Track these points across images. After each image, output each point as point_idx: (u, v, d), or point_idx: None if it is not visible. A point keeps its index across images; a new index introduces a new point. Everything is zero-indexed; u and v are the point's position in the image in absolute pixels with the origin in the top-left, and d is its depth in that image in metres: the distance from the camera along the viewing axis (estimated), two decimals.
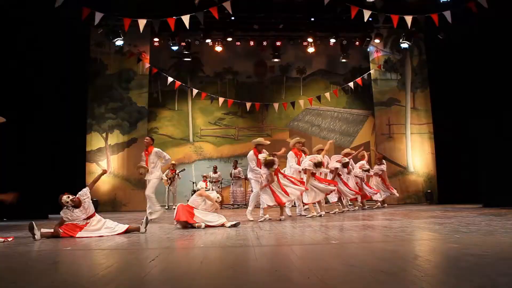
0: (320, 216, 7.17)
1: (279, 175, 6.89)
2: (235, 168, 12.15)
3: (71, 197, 4.93)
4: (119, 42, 11.02)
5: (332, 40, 12.31)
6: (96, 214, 5.17)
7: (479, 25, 9.23)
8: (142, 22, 8.94)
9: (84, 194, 5.05)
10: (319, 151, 8.04)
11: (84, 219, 5.02)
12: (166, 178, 11.76)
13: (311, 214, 7.16)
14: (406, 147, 12.27)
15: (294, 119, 13.71)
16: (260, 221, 6.51)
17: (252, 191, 7.31)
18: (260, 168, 6.84)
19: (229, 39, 12.15)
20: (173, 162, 12.04)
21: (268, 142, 7.46)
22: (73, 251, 3.82)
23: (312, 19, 11.95)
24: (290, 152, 7.71)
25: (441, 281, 2.33)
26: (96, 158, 11.36)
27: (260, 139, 7.39)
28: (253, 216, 6.90)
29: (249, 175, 7.20)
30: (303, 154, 7.81)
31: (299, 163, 7.53)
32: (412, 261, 2.84)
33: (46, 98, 9.43)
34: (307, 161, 7.32)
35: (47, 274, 2.75)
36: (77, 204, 4.94)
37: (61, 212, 4.96)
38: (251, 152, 7.09)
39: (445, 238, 3.97)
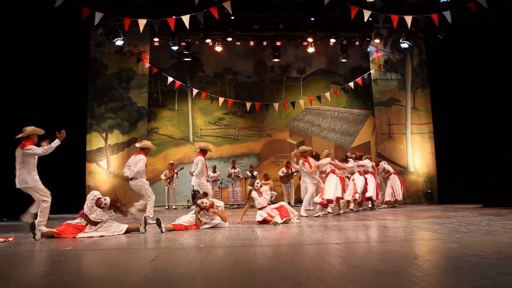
0: (339, 214, 7.74)
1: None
2: (234, 168, 12.15)
3: (107, 205, 5.17)
4: (119, 42, 11.01)
5: (332, 40, 12.30)
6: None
7: (479, 25, 9.23)
8: (142, 22, 8.94)
9: (104, 215, 5.24)
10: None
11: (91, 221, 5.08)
12: (164, 178, 11.76)
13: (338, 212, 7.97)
14: (406, 147, 12.27)
15: (294, 119, 13.71)
16: (315, 216, 7.25)
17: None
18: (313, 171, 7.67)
19: (229, 39, 12.15)
20: (171, 161, 12.04)
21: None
22: (73, 251, 3.82)
23: (312, 19, 11.93)
24: (300, 161, 8.06)
25: (441, 280, 2.33)
26: (96, 158, 11.35)
27: (303, 147, 8.15)
28: (306, 212, 7.62)
29: (303, 179, 8.00)
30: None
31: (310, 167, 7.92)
32: (412, 261, 2.84)
33: (46, 98, 9.43)
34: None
35: (47, 274, 2.75)
36: (98, 205, 5.16)
37: (95, 192, 5.20)
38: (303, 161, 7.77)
39: (445, 238, 3.97)
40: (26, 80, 8.88)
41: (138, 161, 6.86)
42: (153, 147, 7.39)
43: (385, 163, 10.33)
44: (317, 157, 8.14)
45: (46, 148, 5.80)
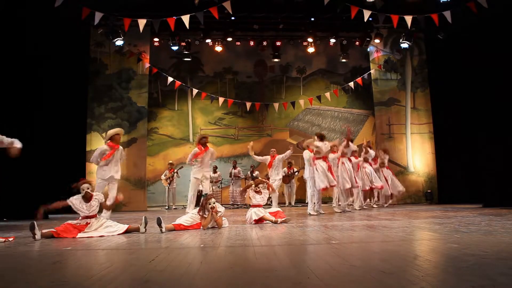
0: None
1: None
2: (235, 168, 12.15)
3: (90, 188, 5.09)
4: (119, 42, 11.01)
5: (332, 40, 12.32)
6: (97, 215, 5.21)
7: (479, 25, 9.23)
8: (142, 22, 8.94)
9: (98, 194, 5.25)
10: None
11: (85, 217, 5.06)
12: (165, 178, 11.77)
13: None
14: (406, 147, 12.28)
15: (294, 119, 13.72)
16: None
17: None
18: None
19: (229, 39, 12.16)
20: (171, 161, 12.05)
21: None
22: (73, 251, 3.82)
23: (312, 19, 11.95)
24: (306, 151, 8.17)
25: (441, 281, 2.33)
26: None
27: (309, 140, 8.15)
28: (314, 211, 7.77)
29: (306, 175, 8.00)
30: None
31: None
32: (412, 261, 2.84)
33: (46, 98, 9.43)
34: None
35: (47, 274, 2.75)
36: (88, 198, 5.08)
37: (72, 198, 5.07)
38: (307, 151, 7.90)
39: (445, 238, 3.97)
40: (26, 80, 8.87)
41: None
42: (119, 131, 6.70)
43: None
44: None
45: None
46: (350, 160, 8.56)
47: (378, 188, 9.47)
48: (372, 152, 9.69)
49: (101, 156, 6.41)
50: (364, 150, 9.52)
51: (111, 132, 6.64)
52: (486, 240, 3.73)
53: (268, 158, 9.07)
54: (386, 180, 9.82)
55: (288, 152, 8.92)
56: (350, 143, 8.59)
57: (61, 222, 5.20)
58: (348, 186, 8.22)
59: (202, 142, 7.65)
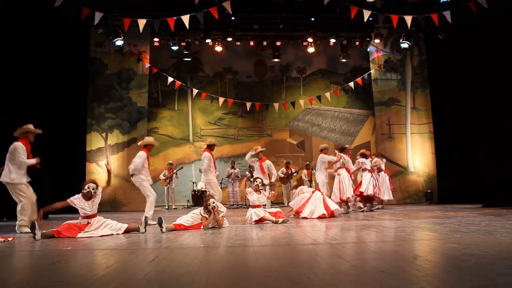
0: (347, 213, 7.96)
1: None
2: (233, 168, 12.14)
3: (95, 189, 5.11)
4: (119, 42, 11.00)
5: (332, 40, 12.32)
6: (97, 215, 5.21)
7: (479, 25, 9.23)
8: (142, 22, 8.94)
9: (98, 192, 5.23)
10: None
11: (85, 217, 5.06)
12: (164, 178, 11.75)
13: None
14: (406, 147, 12.28)
15: (294, 119, 13.71)
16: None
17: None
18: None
19: (229, 39, 12.16)
20: (170, 161, 12.04)
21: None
22: (73, 251, 3.82)
23: (312, 19, 11.95)
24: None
25: (441, 280, 2.33)
26: (96, 158, 11.35)
27: (324, 145, 8.50)
28: None
29: (319, 179, 8.17)
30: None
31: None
32: (412, 261, 2.84)
33: (46, 98, 9.43)
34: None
35: (47, 274, 2.75)
36: (89, 197, 5.10)
37: (72, 198, 5.08)
38: (323, 155, 8.06)
39: (445, 238, 3.97)
40: (25, 80, 8.87)
41: (136, 157, 6.72)
42: (155, 142, 7.22)
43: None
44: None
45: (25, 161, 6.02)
46: (348, 170, 8.28)
47: (369, 195, 8.99)
48: (366, 161, 9.23)
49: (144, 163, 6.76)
50: (357, 164, 8.88)
51: (152, 141, 7.07)
52: (486, 240, 3.73)
53: (256, 162, 8.75)
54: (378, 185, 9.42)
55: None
56: (342, 154, 8.26)
57: (61, 222, 5.20)
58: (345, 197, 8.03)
59: (213, 148, 8.23)
